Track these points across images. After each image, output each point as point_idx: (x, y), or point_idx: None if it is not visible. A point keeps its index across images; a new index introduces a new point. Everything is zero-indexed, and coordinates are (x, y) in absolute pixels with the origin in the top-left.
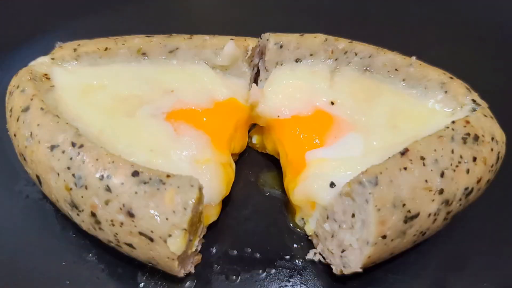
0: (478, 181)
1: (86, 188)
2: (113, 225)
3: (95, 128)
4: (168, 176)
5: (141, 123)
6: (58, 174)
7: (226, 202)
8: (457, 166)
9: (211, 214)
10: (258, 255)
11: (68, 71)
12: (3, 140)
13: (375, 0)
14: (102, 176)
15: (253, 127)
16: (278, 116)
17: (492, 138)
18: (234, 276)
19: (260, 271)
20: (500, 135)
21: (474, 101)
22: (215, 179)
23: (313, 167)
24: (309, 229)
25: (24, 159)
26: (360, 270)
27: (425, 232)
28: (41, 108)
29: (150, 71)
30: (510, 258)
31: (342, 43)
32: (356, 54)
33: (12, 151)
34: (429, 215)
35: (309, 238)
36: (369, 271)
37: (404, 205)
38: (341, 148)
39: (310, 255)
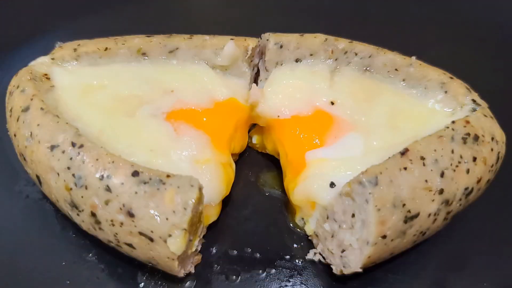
0: (478, 181)
1: (86, 188)
2: (113, 225)
3: (95, 128)
4: (168, 176)
5: (141, 123)
6: (58, 174)
7: (226, 202)
8: (457, 166)
9: (211, 214)
10: (258, 255)
11: (68, 71)
12: (3, 140)
13: (375, 0)
14: (102, 176)
15: (253, 127)
16: (278, 116)
17: (492, 138)
18: (234, 276)
19: (260, 271)
20: (500, 135)
21: (474, 101)
22: (215, 179)
23: (313, 167)
24: (309, 229)
25: (24, 159)
26: (360, 270)
27: (425, 232)
28: (41, 108)
29: (150, 71)
30: (510, 258)
31: (342, 43)
32: (356, 54)
33: (12, 151)
34: (429, 215)
35: (309, 238)
36: (369, 271)
37: (404, 205)
38: (341, 148)
39: (310, 255)
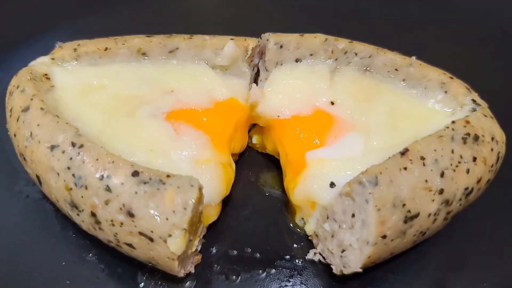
0: (478, 181)
1: (86, 188)
2: (113, 225)
3: (95, 128)
4: (168, 176)
5: (141, 123)
6: (58, 174)
7: (226, 202)
8: (457, 166)
9: (211, 214)
10: (258, 255)
11: (68, 71)
12: (3, 140)
13: (375, 0)
14: (102, 176)
15: (253, 127)
16: (278, 116)
17: (492, 138)
18: (234, 276)
19: (260, 271)
20: (500, 135)
21: (474, 101)
22: (215, 179)
23: (313, 167)
24: (309, 229)
25: (24, 159)
26: (360, 270)
27: (425, 232)
28: (41, 108)
29: (150, 71)
30: (510, 258)
31: (342, 43)
32: (356, 54)
33: (12, 151)
34: (429, 215)
35: (309, 238)
36: (369, 271)
37: (404, 205)
38: (341, 148)
39: (310, 255)
